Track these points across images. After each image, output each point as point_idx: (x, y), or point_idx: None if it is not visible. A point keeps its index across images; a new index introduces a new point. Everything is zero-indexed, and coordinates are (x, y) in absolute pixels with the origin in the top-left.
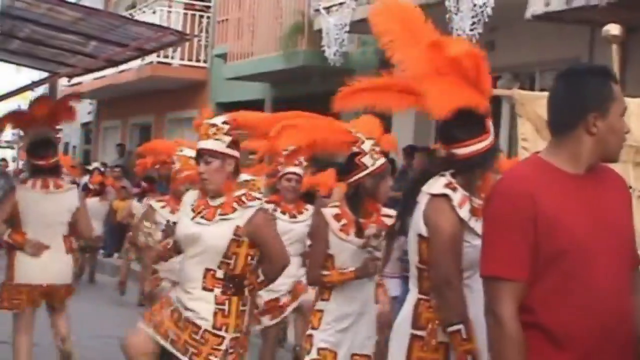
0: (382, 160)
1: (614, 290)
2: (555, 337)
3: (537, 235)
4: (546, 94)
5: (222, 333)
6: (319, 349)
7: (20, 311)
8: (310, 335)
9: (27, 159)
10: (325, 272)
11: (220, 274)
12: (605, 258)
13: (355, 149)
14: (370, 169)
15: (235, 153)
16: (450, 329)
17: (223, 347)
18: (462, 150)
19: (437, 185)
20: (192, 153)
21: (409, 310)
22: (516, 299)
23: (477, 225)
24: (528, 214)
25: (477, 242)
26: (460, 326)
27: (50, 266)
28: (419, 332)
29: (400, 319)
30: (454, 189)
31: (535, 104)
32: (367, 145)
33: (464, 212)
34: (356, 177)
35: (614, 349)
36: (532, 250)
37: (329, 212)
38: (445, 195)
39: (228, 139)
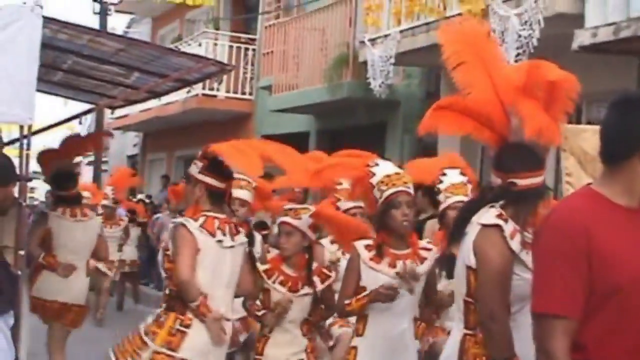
0: (391, 190)
1: None
2: None
3: (591, 271)
4: (590, 127)
5: (147, 339)
6: None
7: None
8: None
9: (51, 190)
10: (347, 301)
11: (166, 289)
12: None
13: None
14: (379, 201)
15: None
16: None
17: (144, 354)
18: (520, 182)
19: (488, 215)
20: None
21: (454, 345)
22: (569, 337)
23: (527, 258)
24: (582, 249)
25: (527, 275)
26: None
27: (72, 286)
28: None
29: (446, 355)
30: (506, 220)
31: (579, 137)
32: (375, 179)
33: (515, 244)
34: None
35: None
36: (586, 287)
37: (361, 243)
38: (497, 226)
39: None
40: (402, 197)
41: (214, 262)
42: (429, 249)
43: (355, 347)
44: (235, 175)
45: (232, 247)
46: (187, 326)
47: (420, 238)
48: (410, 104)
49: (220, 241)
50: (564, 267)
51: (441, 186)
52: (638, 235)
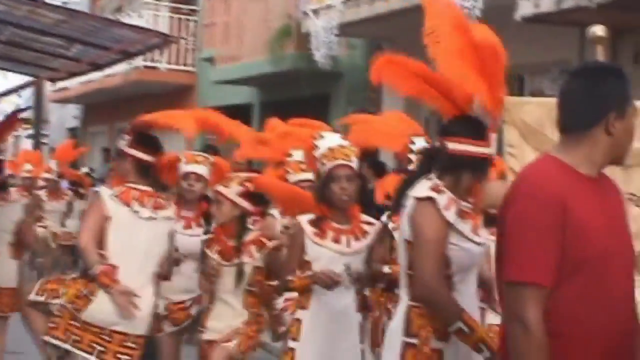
0: (332, 163)
1: (627, 296)
2: (578, 344)
3: (565, 241)
4: (533, 99)
5: (61, 291)
6: None
7: None
8: (292, 349)
9: None
10: (290, 278)
11: None
12: (619, 264)
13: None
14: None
15: None
16: (451, 329)
17: (55, 301)
18: (454, 145)
19: (422, 188)
20: None
21: (400, 318)
22: (542, 305)
23: (465, 227)
24: (557, 218)
25: (466, 245)
26: (459, 324)
27: None
28: (411, 340)
29: (393, 327)
30: (440, 192)
31: (520, 110)
32: (318, 152)
33: (451, 215)
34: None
35: (626, 355)
36: (559, 256)
37: (304, 218)
38: (430, 198)
39: None
40: (342, 170)
41: (127, 233)
42: (371, 223)
43: (299, 320)
44: (192, 152)
45: (151, 219)
46: (92, 293)
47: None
48: (354, 75)
49: (136, 212)
50: (539, 235)
51: (317, 153)
52: (601, 205)
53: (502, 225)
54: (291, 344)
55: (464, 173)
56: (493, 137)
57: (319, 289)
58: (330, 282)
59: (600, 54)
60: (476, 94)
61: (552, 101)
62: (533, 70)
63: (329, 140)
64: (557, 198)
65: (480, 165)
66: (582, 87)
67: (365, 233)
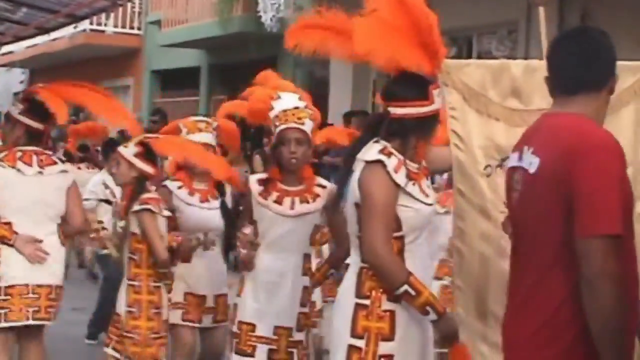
0: (283, 126)
1: None
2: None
3: (626, 193)
4: (472, 61)
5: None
6: (240, 322)
7: None
8: (235, 304)
9: None
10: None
11: None
12: None
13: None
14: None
15: None
16: (397, 292)
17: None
18: (397, 110)
19: (371, 151)
20: None
21: (351, 279)
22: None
23: (414, 189)
24: (624, 170)
25: (417, 205)
26: (405, 286)
27: None
28: (362, 301)
29: (343, 289)
30: (389, 155)
31: (461, 72)
32: (273, 113)
33: (400, 177)
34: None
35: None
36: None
37: (254, 177)
38: (379, 162)
39: None
40: (292, 133)
41: (17, 192)
42: (324, 186)
43: (242, 278)
44: (193, 119)
45: (38, 174)
46: None
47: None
48: None
49: (19, 170)
50: (616, 186)
51: (271, 114)
52: None
53: (565, 179)
54: (236, 299)
55: (410, 135)
56: (436, 92)
57: (262, 250)
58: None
59: (541, 16)
60: (411, 64)
61: (493, 63)
62: (481, 32)
63: (285, 102)
64: (620, 149)
65: (425, 125)
66: (592, 47)
67: (316, 196)
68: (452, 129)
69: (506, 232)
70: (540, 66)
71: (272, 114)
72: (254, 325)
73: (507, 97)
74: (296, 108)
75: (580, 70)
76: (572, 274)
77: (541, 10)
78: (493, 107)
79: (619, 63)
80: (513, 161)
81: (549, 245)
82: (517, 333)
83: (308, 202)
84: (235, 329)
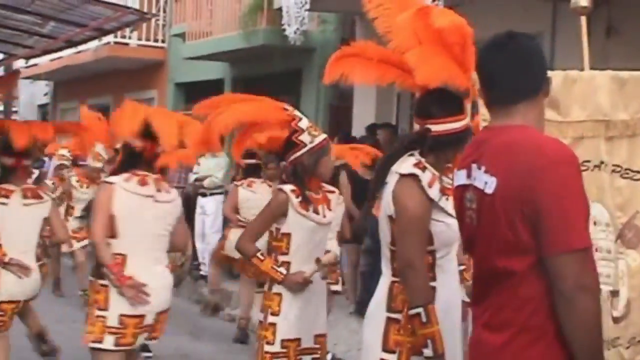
0: (322, 136)
1: None
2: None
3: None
4: None
5: None
6: (283, 341)
7: None
8: (273, 324)
9: None
10: (260, 256)
11: None
12: None
13: (293, 127)
14: (309, 146)
15: None
16: (411, 312)
17: None
18: (436, 127)
19: (405, 164)
20: None
21: (383, 293)
22: None
23: (447, 204)
24: (582, 181)
25: (449, 220)
26: (420, 310)
27: None
28: (394, 315)
29: (375, 303)
30: (423, 169)
31: None
32: (304, 123)
33: (434, 192)
34: (295, 156)
35: None
36: None
37: (288, 187)
38: (414, 175)
39: None
40: (330, 144)
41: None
42: (332, 191)
43: (278, 294)
44: None
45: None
46: None
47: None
48: (326, 50)
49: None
50: (582, 197)
51: (302, 124)
52: None
53: (527, 198)
54: (272, 318)
55: (447, 150)
56: (468, 106)
57: (297, 262)
58: (297, 287)
59: (583, 24)
60: (447, 81)
61: None
62: None
63: (301, 114)
64: (577, 160)
65: (461, 139)
66: (522, 54)
67: (330, 202)
68: None
69: None
70: (579, 77)
71: (303, 125)
72: (299, 340)
73: (545, 109)
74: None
75: (517, 79)
76: (540, 283)
77: (583, 19)
78: None
79: None
80: (461, 179)
81: (515, 262)
82: (492, 344)
83: (331, 209)
84: (278, 348)
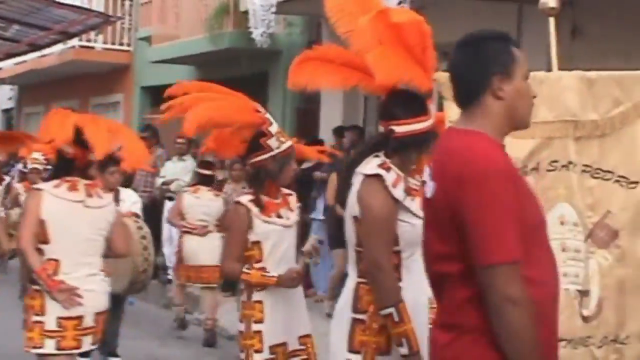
0: (289, 143)
1: (554, 261)
2: (542, 308)
3: (520, 213)
4: None
5: None
6: (271, 347)
7: None
8: (259, 332)
9: None
10: (247, 270)
11: None
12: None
13: (263, 130)
14: (275, 152)
15: None
16: (383, 312)
17: None
18: (400, 129)
19: (370, 165)
20: None
21: (349, 294)
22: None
23: (412, 204)
24: (513, 192)
25: (414, 221)
26: (391, 309)
27: None
28: (360, 316)
29: (341, 304)
30: (388, 169)
31: None
32: (274, 127)
33: (398, 192)
34: (259, 159)
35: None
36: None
37: (245, 198)
38: (378, 176)
39: None
40: (294, 150)
41: None
42: (290, 194)
43: (260, 302)
44: None
45: None
46: None
47: (312, 189)
48: (293, 53)
49: None
50: (507, 212)
51: (272, 129)
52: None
53: (456, 208)
54: (256, 326)
55: (412, 151)
56: (432, 107)
57: (272, 267)
58: (294, 281)
59: (552, 26)
60: (407, 81)
61: None
62: None
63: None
64: (509, 171)
65: (425, 140)
66: (465, 57)
67: (289, 204)
68: None
69: None
70: (546, 78)
71: (273, 129)
72: (286, 344)
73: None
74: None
75: (458, 81)
76: (475, 286)
77: (551, 20)
78: None
79: (632, 73)
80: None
81: (447, 266)
82: (440, 343)
83: (292, 211)
84: (267, 355)
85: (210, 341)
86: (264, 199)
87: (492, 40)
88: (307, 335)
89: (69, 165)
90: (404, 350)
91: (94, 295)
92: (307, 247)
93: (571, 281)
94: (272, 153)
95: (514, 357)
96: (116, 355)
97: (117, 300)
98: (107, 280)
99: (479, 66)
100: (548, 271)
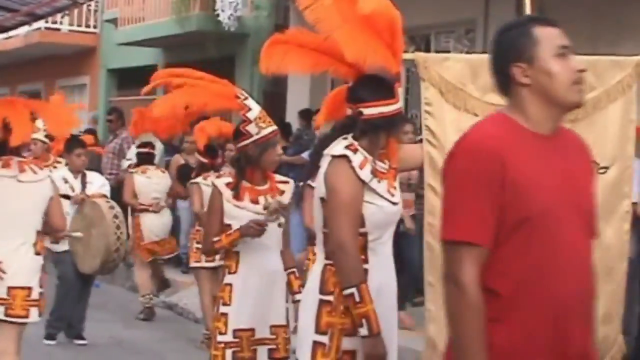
0: (270, 129)
1: (582, 259)
2: (521, 307)
3: (504, 199)
4: (451, 55)
5: None
6: (235, 331)
7: None
8: (225, 314)
9: None
10: (215, 239)
11: None
12: (572, 225)
13: (241, 117)
14: (254, 137)
15: None
16: (345, 292)
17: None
18: (368, 111)
19: (338, 147)
20: None
21: (316, 275)
22: (478, 264)
23: (379, 186)
24: (495, 175)
25: (381, 202)
26: (353, 290)
27: None
28: (326, 297)
29: (309, 285)
30: (355, 151)
31: (440, 66)
32: (253, 113)
33: (365, 173)
34: (240, 145)
35: (574, 323)
36: (497, 215)
37: (221, 181)
38: (344, 156)
39: None
40: (277, 137)
41: None
42: (286, 182)
43: (230, 284)
44: None
45: None
46: None
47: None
48: (260, 36)
49: None
50: (475, 193)
51: (250, 114)
52: (548, 163)
53: (443, 182)
54: (223, 309)
55: (380, 134)
56: (399, 90)
57: (247, 251)
58: (255, 230)
59: (528, 6)
60: (377, 60)
61: (473, 57)
62: (439, 31)
63: (254, 102)
64: (495, 154)
65: (394, 123)
66: (490, 53)
67: (282, 192)
68: (425, 125)
69: None
70: None
71: (251, 115)
72: (253, 330)
73: (487, 92)
74: (261, 110)
75: (493, 74)
76: None
77: (527, 2)
78: (472, 101)
79: (604, 58)
80: None
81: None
82: None
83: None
84: (230, 337)
85: (146, 315)
86: (245, 184)
87: (509, 29)
88: (281, 326)
89: (2, 146)
90: (363, 331)
91: (15, 269)
92: (271, 204)
93: None
94: (251, 139)
95: (451, 335)
96: (82, 338)
97: (84, 283)
98: (37, 257)
99: (498, 60)
100: (546, 270)
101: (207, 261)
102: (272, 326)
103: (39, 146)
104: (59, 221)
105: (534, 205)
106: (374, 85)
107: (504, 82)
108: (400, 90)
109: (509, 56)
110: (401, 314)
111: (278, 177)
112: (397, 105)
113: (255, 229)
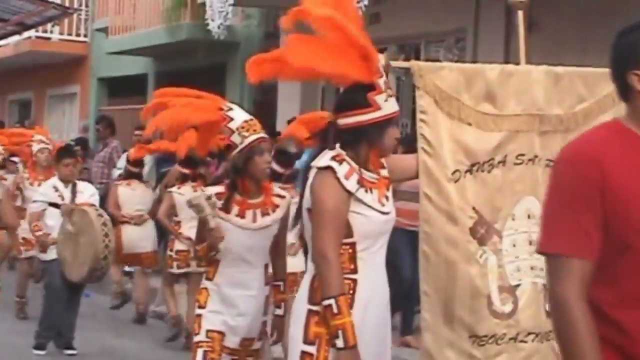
0: (254, 136)
1: None
2: (628, 336)
3: (605, 208)
4: (447, 64)
5: None
6: (208, 331)
7: None
8: (199, 316)
9: None
10: (197, 247)
11: None
12: None
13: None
14: (239, 147)
15: None
16: (324, 303)
17: None
18: (343, 121)
19: (324, 158)
20: None
21: (305, 286)
22: (582, 279)
23: (366, 196)
24: (594, 183)
25: (369, 213)
26: (331, 301)
27: None
28: (314, 307)
29: (298, 296)
30: (341, 161)
31: (435, 75)
32: (235, 123)
33: (351, 184)
34: (230, 157)
35: None
36: (600, 225)
37: (212, 190)
38: (330, 168)
39: None
40: (265, 143)
41: None
42: (282, 196)
43: (206, 289)
44: None
45: None
46: None
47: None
48: (250, 45)
49: None
50: (574, 202)
51: (232, 125)
52: None
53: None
54: (199, 311)
55: (361, 143)
56: (380, 97)
57: (224, 265)
58: (215, 236)
59: (520, 19)
60: (324, 69)
61: (467, 66)
62: (429, 40)
63: (240, 112)
64: (594, 160)
65: (371, 132)
66: (609, 58)
67: (275, 207)
68: (420, 133)
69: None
70: (516, 71)
71: (233, 125)
72: (223, 335)
73: (481, 102)
74: (252, 119)
75: (612, 80)
76: None
77: (520, 14)
78: (466, 110)
79: (596, 70)
80: None
81: None
82: None
83: (269, 214)
84: (203, 337)
85: (139, 319)
86: (236, 197)
87: (628, 32)
88: (250, 339)
89: None
90: (339, 342)
91: None
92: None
93: (537, 275)
94: (237, 149)
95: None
96: (72, 348)
97: (72, 292)
98: None
99: (615, 67)
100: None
101: (179, 267)
102: (243, 339)
103: None
104: (10, 219)
105: (635, 225)
106: (348, 94)
107: (623, 89)
108: (387, 99)
109: (627, 63)
110: (408, 338)
111: (277, 191)
112: (374, 114)
113: (213, 237)
